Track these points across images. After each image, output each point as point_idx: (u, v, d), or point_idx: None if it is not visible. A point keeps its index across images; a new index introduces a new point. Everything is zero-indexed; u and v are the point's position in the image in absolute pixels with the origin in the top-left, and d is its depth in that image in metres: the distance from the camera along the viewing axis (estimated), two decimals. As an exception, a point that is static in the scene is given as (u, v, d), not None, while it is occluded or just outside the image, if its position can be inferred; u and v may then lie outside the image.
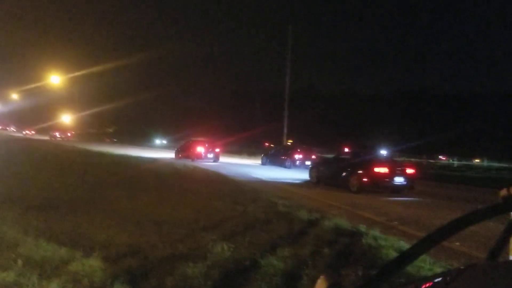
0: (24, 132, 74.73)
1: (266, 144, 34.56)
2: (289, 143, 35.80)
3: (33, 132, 74.60)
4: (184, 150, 30.41)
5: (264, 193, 11.41)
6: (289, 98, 37.59)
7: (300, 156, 26.11)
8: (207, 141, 29.93)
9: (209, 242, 5.72)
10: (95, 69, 46.70)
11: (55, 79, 45.74)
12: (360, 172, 15.16)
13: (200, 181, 14.56)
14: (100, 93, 54.86)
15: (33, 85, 55.75)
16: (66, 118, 63.26)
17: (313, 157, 25.83)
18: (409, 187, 15.28)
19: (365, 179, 14.91)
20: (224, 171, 19.86)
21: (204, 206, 8.77)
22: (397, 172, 15.26)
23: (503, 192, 0.92)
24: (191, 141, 31.04)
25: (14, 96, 69.54)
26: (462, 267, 0.89)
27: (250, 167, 25.58)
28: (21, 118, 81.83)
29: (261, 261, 4.96)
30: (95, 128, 52.89)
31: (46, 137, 60.84)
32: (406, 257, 0.90)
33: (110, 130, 59.34)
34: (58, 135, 66.49)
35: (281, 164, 26.81)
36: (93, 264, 4.51)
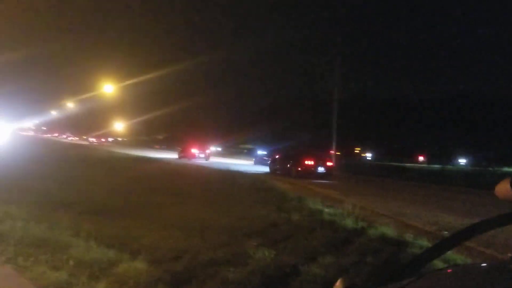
0: (91, 140, 78.02)
1: (332, 152, 34.13)
2: (357, 150, 35.36)
3: (103, 140, 77.52)
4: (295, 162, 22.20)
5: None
6: (338, 104, 37.16)
7: (311, 162, 21.66)
8: (317, 152, 23.85)
9: (251, 248, 5.78)
10: (146, 77, 48.22)
11: (108, 88, 47.70)
12: (296, 164, 21.19)
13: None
14: (151, 100, 56.59)
15: (87, 94, 58.43)
16: (119, 126, 65.61)
17: (329, 163, 22.48)
18: (327, 174, 21.39)
19: (299, 169, 20.95)
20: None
21: (249, 214, 8.86)
22: (319, 164, 21.28)
23: None
24: (297, 150, 24.85)
25: (70, 104, 73.21)
26: (446, 267, 0.89)
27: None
28: (76, 125, 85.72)
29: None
30: (145, 135, 54.47)
31: (86, 142, 64.16)
32: (425, 257, 0.91)
33: (160, 137, 60.98)
34: (95, 141, 70.39)
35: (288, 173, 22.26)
36: (139, 266, 4.68)
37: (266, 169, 25.63)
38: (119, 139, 73.43)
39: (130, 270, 4.54)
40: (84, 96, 61.51)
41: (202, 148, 36.02)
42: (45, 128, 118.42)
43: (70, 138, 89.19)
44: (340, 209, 10.33)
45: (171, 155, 37.76)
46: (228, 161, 34.70)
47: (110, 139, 69.41)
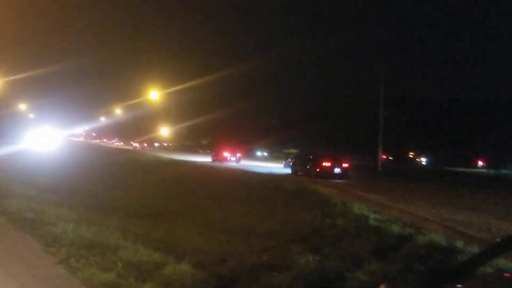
0: (134, 145, 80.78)
1: (384, 156, 33.25)
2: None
3: (145, 145, 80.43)
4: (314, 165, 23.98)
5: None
6: (387, 107, 36.28)
7: (328, 163, 23.55)
8: (334, 155, 25.90)
9: (295, 253, 5.74)
10: (191, 83, 49.10)
11: (154, 95, 48.94)
12: (315, 165, 23.06)
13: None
14: (196, 106, 57.44)
15: (134, 100, 60.25)
16: (164, 131, 67.18)
17: (345, 165, 24.20)
18: (343, 175, 23.18)
19: (318, 169, 22.78)
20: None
21: (292, 218, 8.81)
22: (335, 165, 23.18)
23: None
24: (316, 153, 26.45)
25: (118, 111, 75.75)
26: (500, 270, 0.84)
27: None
28: (124, 131, 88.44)
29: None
30: (190, 140, 55.49)
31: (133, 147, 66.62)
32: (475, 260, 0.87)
33: (204, 142, 61.92)
34: (138, 145, 73.14)
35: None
36: (184, 269, 4.75)
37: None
38: (165, 144, 75.27)
39: (176, 272, 4.61)
40: (131, 103, 63.47)
41: (234, 151, 37.96)
42: (94, 134, 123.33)
43: (116, 143, 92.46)
44: (386, 214, 10.09)
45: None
46: (259, 164, 35.30)
47: (156, 144, 71.49)
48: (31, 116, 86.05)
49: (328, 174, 22.66)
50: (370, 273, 5.01)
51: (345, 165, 23.97)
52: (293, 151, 49.11)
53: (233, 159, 37.01)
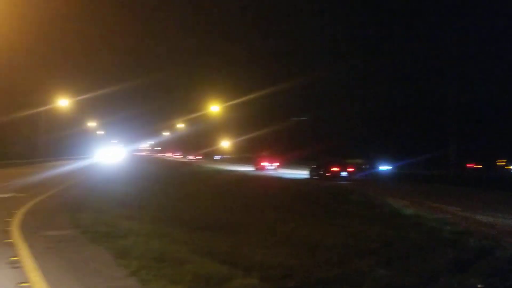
0: (189, 157, 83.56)
1: (472, 164, 32.28)
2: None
3: (198, 157, 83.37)
4: None
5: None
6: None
7: (337, 168, 27.81)
8: (342, 161, 30.81)
9: (365, 267, 5.52)
10: (251, 96, 49.70)
11: (215, 108, 50.18)
12: (326, 169, 26.77)
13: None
14: (256, 118, 57.91)
15: (196, 114, 62.01)
16: (225, 143, 68.32)
17: (350, 169, 28.16)
18: (349, 177, 26.31)
19: (328, 173, 26.28)
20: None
21: (360, 231, 8.52)
22: (342, 169, 26.70)
23: None
24: (327, 160, 30.93)
25: (180, 125, 78.27)
26: None
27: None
28: (186, 144, 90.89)
29: None
30: (251, 152, 55.90)
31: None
32: None
33: (265, 153, 62.27)
34: (192, 157, 75.75)
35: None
36: (252, 282, 4.69)
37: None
38: (226, 156, 76.52)
39: (244, 286, 4.56)
40: (193, 116, 65.39)
41: (272, 160, 41.31)
42: (159, 148, 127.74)
43: (174, 156, 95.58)
44: (462, 226, 9.49)
45: (271, 172, 38.60)
46: (294, 172, 35.30)
47: (217, 157, 72.89)
48: (100, 132, 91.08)
49: (336, 177, 26.32)
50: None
51: (350, 169, 28.01)
52: (358, 161, 48.31)
53: (271, 167, 39.87)
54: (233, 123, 56.82)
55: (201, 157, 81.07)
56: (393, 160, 40.08)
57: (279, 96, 52.75)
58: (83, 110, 62.80)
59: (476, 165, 36.50)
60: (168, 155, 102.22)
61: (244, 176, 27.74)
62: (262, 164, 40.39)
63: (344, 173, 26.83)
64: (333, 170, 26.81)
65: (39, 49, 51.29)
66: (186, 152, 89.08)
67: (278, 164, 41.21)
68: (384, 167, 39.17)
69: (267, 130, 53.81)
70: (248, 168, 40.66)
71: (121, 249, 5.85)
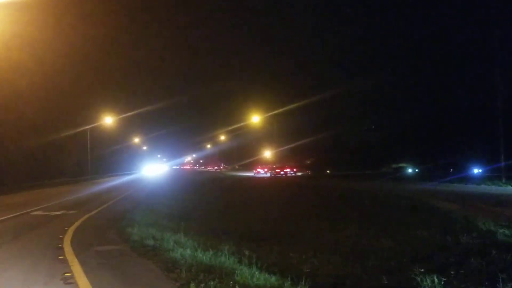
0: (214, 168, 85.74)
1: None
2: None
3: (222, 167, 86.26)
4: None
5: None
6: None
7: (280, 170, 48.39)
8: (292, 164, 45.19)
9: (417, 273, 5.32)
10: (292, 106, 49.63)
11: (256, 119, 50.45)
12: (278, 170, 48.10)
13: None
14: (298, 128, 57.54)
15: (237, 125, 62.63)
16: (267, 154, 68.35)
17: (295, 169, 49.61)
18: (294, 175, 47.62)
19: (277, 170, 47.93)
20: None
21: (411, 237, 8.27)
22: (289, 169, 48.82)
23: None
24: (280, 164, 47.12)
25: (222, 137, 79.08)
26: None
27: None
28: (228, 156, 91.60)
29: None
30: (294, 161, 55.57)
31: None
32: None
33: (308, 161, 61.92)
34: (217, 168, 77.53)
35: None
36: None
37: None
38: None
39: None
40: (234, 127, 65.96)
41: (288, 167, 49.91)
42: (202, 161, 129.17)
43: (209, 168, 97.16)
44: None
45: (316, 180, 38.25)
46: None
47: (264, 171, 73.43)
48: (144, 148, 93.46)
49: (281, 174, 46.51)
50: None
51: (295, 169, 49.91)
52: (401, 165, 47.14)
53: (288, 173, 48.82)
54: (275, 133, 56.70)
55: (226, 166, 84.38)
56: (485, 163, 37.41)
57: (328, 104, 52.80)
58: (128, 128, 64.76)
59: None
60: (209, 168, 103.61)
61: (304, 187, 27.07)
62: (277, 170, 48.52)
63: (291, 172, 48.01)
64: (278, 172, 47.08)
65: (86, 72, 53.80)
66: (229, 164, 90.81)
67: (296, 169, 50.04)
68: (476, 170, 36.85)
69: (310, 139, 53.78)
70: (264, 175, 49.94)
71: (170, 262, 5.92)
